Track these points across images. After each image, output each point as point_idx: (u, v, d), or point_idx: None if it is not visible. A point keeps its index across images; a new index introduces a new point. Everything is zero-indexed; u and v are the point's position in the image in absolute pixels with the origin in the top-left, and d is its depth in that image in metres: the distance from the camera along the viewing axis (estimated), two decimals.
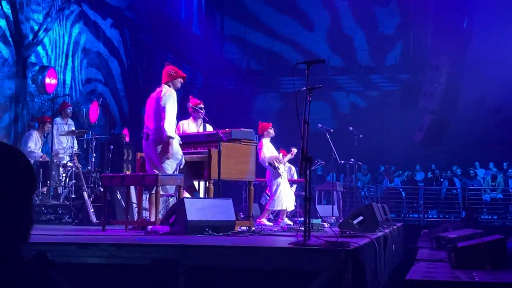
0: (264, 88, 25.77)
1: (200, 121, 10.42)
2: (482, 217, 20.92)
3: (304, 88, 6.31)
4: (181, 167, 8.74)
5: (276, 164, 12.22)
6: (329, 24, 25.98)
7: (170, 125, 8.49)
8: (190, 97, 10.52)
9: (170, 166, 8.51)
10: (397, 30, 25.33)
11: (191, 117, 10.44)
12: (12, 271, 1.70)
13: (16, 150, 1.88)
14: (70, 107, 12.78)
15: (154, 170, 8.45)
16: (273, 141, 12.54)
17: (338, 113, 25.39)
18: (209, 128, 10.21)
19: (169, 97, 8.56)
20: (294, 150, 12.21)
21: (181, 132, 9.90)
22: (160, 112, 8.53)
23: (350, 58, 25.90)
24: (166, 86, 8.72)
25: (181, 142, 8.73)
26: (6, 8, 13.86)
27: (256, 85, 25.96)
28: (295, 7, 26.08)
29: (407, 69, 24.39)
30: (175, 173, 8.59)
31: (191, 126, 10.35)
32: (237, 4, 26.15)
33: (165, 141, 8.47)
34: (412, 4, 24.79)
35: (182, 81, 8.99)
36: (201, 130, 10.35)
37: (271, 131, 12.36)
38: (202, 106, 10.26)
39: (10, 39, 14.01)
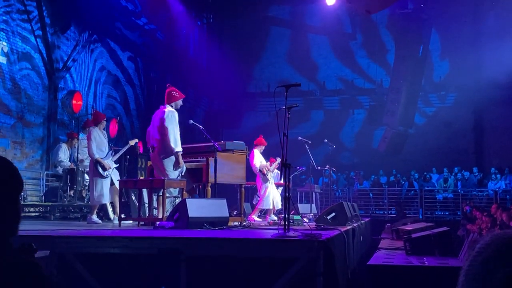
0: (254, 107, 25.85)
1: None
2: (436, 213, 20.94)
3: (284, 107, 6.33)
4: (183, 173, 8.73)
5: (265, 171, 12.25)
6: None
7: (175, 142, 8.43)
8: None
9: (173, 173, 8.49)
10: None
11: None
12: (1, 257, 1.72)
13: (2, 159, 1.89)
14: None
15: (161, 176, 8.45)
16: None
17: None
18: None
19: (171, 118, 8.42)
20: (278, 159, 12.23)
21: None
22: (164, 131, 8.48)
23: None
24: (169, 106, 8.60)
25: (182, 152, 8.69)
26: (40, 43, 13.95)
27: (248, 105, 26.01)
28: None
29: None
30: (178, 178, 8.59)
31: None
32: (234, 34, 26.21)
33: (174, 155, 8.43)
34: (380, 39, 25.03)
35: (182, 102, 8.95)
36: None
37: (263, 147, 12.42)
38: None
39: (43, 68, 14.07)
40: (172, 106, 8.62)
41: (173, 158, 8.44)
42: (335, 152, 14.27)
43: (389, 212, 21.02)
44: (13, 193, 1.85)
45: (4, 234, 1.80)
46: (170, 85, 8.90)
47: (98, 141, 9.80)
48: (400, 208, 19.30)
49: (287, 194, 6.29)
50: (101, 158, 9.71)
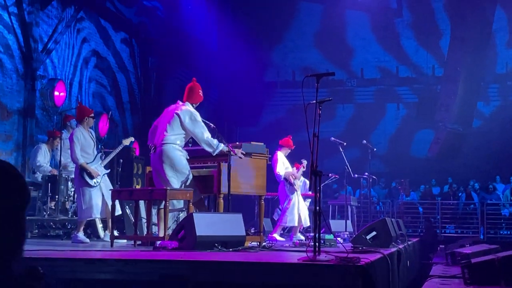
0: (272, 100, 25.87)
1: None
2: (501, 232, 20.78)
3: (314, 101, 6.34)
4: (188, 183, 8.73)
5: (292, 180, 12.24)
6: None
7: (209, 144, 8.52)
8: None
9: (176, 181, 8.50)
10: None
11: None
12: (3, 285, 1.72)
13: (4, 164, 1.88)
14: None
15: (163, 184, 8.48)
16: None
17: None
18: None
19: (195, 122, 8.54)
20: (305, 162, 12.24)
21: None
22: (192, 131, 8.55)
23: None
24: (188, 105, 8.73)
25: (188, 157, 8.72)
26: (15, 21, 14.02)
27: (266, 97, 26.01)
28: None
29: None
30: (182, 187, 8.60)
31: None
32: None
33: (223, 152, 8.57)
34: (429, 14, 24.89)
35: None
36: None
37: (289, 150, 12.42)
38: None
39: (18, 51, 14.16)
40: (192, 106, 8.74)
41: (176, 162, 8.48)
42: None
43: (443, 231, 20.92)
44: (18, 207, 1.85)
45: (5, 257, 1.79)
46: (195, 80, 8.98)
47: (83, 143, 9.87)
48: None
49: (317, 208, 6.29)
50: (88, 163, 9.77)
